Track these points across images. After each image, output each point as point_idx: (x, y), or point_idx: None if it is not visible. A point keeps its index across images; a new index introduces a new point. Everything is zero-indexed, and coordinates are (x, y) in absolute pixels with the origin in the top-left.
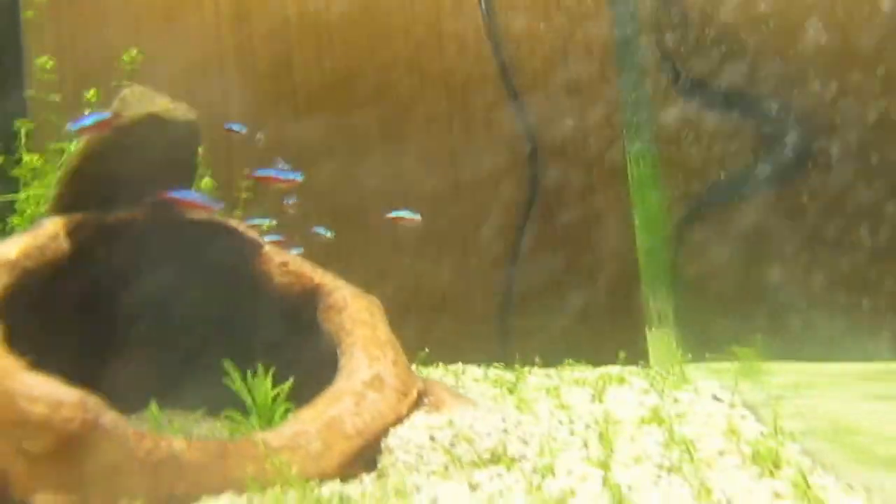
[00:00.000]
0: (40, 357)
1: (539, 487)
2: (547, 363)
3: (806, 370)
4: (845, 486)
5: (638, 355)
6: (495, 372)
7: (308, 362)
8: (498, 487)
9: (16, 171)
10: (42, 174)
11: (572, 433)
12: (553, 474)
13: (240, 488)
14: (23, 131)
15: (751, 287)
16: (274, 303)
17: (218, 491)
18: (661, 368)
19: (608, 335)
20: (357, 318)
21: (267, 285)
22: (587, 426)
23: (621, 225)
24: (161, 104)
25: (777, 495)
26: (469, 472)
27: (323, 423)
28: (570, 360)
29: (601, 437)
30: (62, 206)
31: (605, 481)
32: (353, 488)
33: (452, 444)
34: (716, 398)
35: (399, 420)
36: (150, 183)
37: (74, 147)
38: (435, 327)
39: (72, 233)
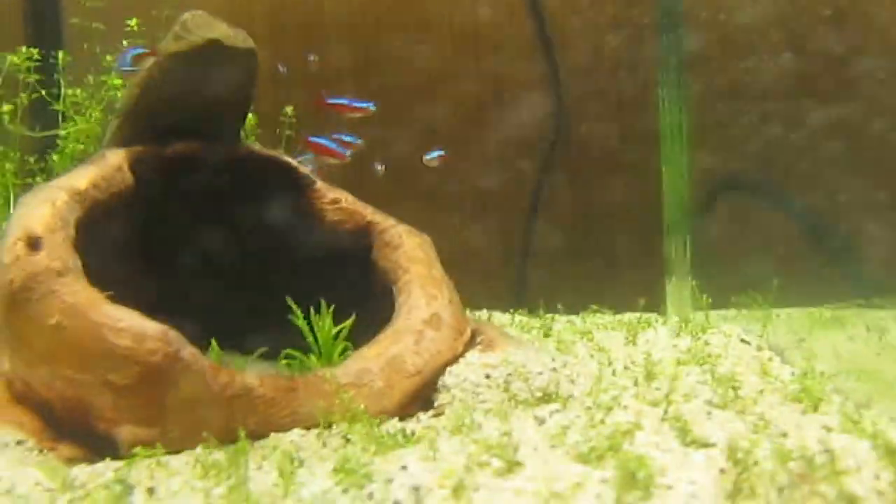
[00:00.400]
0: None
1: (602, 422)
2: (568, 311)
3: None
4: (888, 420)
5: (656, 303)
6: (520, 318)
7: (360, 300)
8: (561, 422)
9: (57, 106)
10: (83, 109)
11: (615, 373)
12: (610, 410)
13: (308, 423)
14: (62, 63)
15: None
16: (326, 240)
17: (287, 426)
18: (681, 315)
19: (628, 283)
20: (413, 256)
21: (319, 222)
22: (626, 367)
23: (646, 174)
24: (221, 30)
25: (827, 429)
26: (525, 410)
27: (385, 362)
28: (595, 306)
29: (648, 375)
30: (122, 137)
31: (664, 415)
32: (412, 426)
33: (507, 383)
34: (743, 340)
35: (455, 359)
36: (208, 112)
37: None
38: (454, 274)
39: (133, 165)
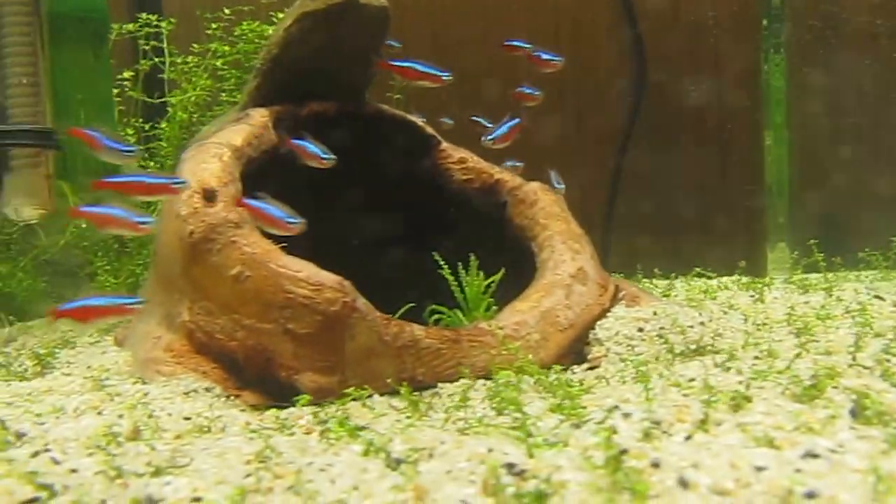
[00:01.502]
0: None
1: (789, 368)
2: (664, 276)
3: None
4: None
5: (754, 268)
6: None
7: (490, 256)
8: (740, 368)
9: (170, 74)
10: (190, 77)
11: (759, 328)
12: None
13: (472, 374)
14: (166, 32)
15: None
16: (453, 198)
17: (452, 376)
18: (783, 277)
19: (726, 247)
20: (550, 212)
21: (447, 181)
22: (763, 323)
23: (749, 138)
24: None
25: None
26: (686, 361)
27: (539, 315)
28: (698, 269)
29: (804, 328)
30: (260, 97)
31: (852, 361)
32: (577, 377)
33: (660, 336)
34: (877, 297)
35: (603, 313)
36: (339, 71)
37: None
38: None
39: (275, 125)
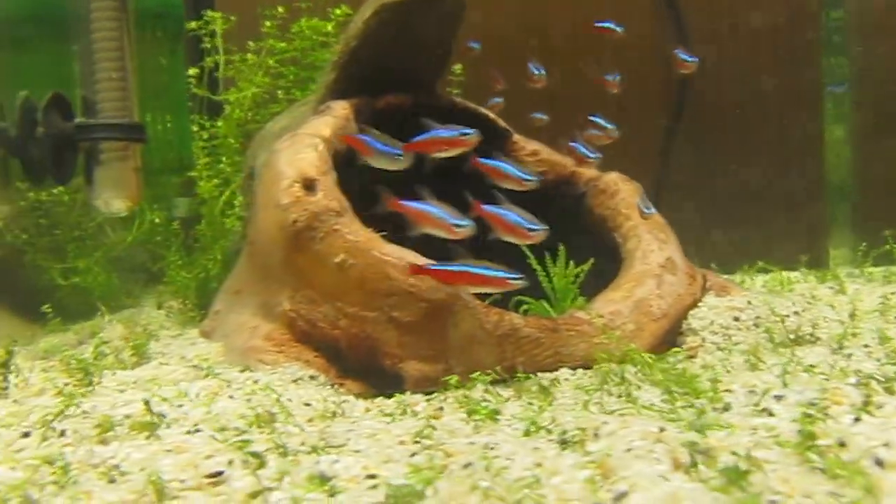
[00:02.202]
0: None
1: None
2: (723, 270)
3: None
4: None
5: (819, 261)
6: None
7: (567, 246)
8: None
9: (226, 72)
10: (246, 75)
11: (852, 317)
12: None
13: (570, 363)
14: (220, 30)
15: None
16: (529, 190)
17: (550, 365)
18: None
19: (787, 241)
20: (631, 202)
21: None
22: (853, 313)
23: (809, 132)
24: None
25: None
26: (788, 349)
27: (633, 304)
28: (761, 263)
29: None
30: (337, 89)
31: None
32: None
33: (756, 325)
34: None
35: (695, 303)
36: (414, 62)
37: (350, 28)
38: None
39: (355, 117)
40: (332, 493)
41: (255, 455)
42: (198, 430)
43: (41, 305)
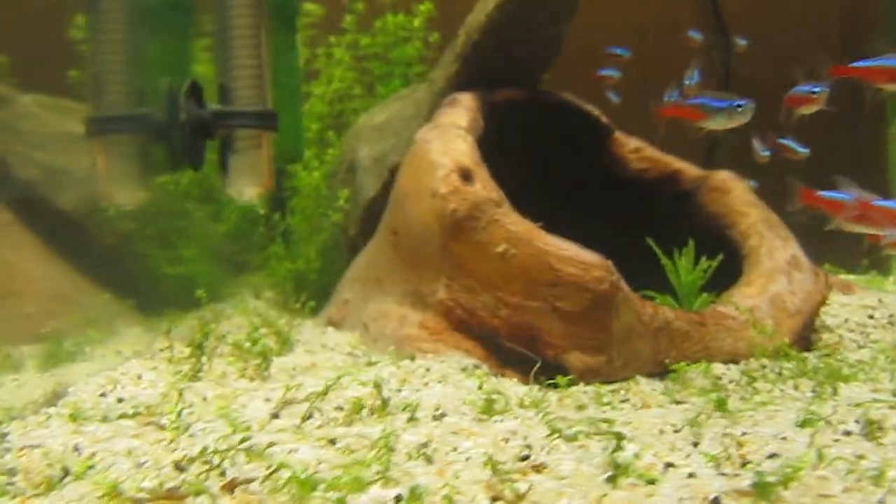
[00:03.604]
0: None
1: None
2: None
3: None
4: None
5: (881, 264)
6: None
7: (670, 243)
8: None
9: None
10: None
11: None
12: None
13: (717, 358)
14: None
15: None
16: (631, 187)
17: (699, 359)
18: None
19: (845, 245)
20: (746, 200)
21: (622, 170)
22: None
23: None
24: None
25: None
26: None
27: (768, 300)
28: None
29: None
30: (458, 82)
31: None
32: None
33: (891, 323)
34: None
35: (823, 300)
36: (528, 56)
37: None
38: None
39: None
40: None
41: (617, 436)
42: (443, 415)
43: (146, 293)
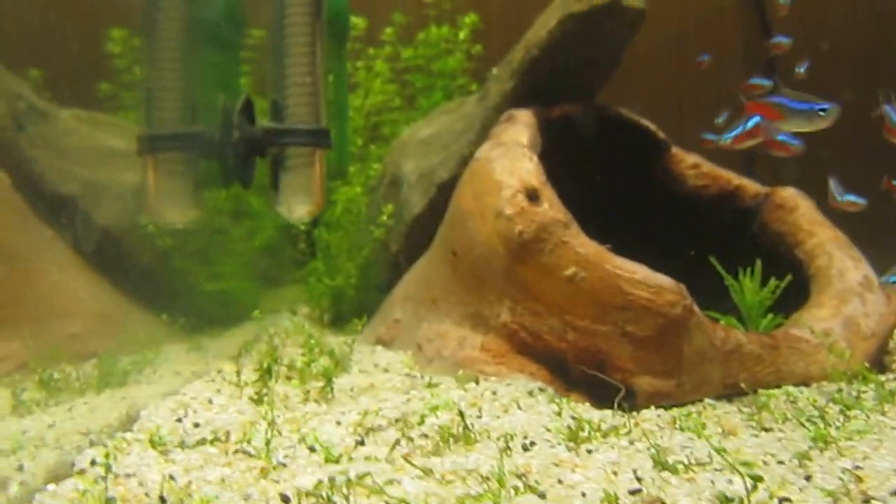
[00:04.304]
0: None
1: None
2: None
3: None
4: None
5: None
6: None
7: (732, 262)
8: None
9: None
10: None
11: None
12: None
13: (790, 381)
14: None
15: None
16: (687, 204)
17: (771, 383)
18: None
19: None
20: (813, 219)
21: (681, 185)
22: None
23: None
24: None
25: None
26: None
27: (842, 322)
28: None
29: None
30: (514, 98)
31: None
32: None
33: None
34: None
35: None
36: (585, 73)
37: (531, 37)
38: None
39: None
40: None
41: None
42: (533, 444)
43: (186, 310)
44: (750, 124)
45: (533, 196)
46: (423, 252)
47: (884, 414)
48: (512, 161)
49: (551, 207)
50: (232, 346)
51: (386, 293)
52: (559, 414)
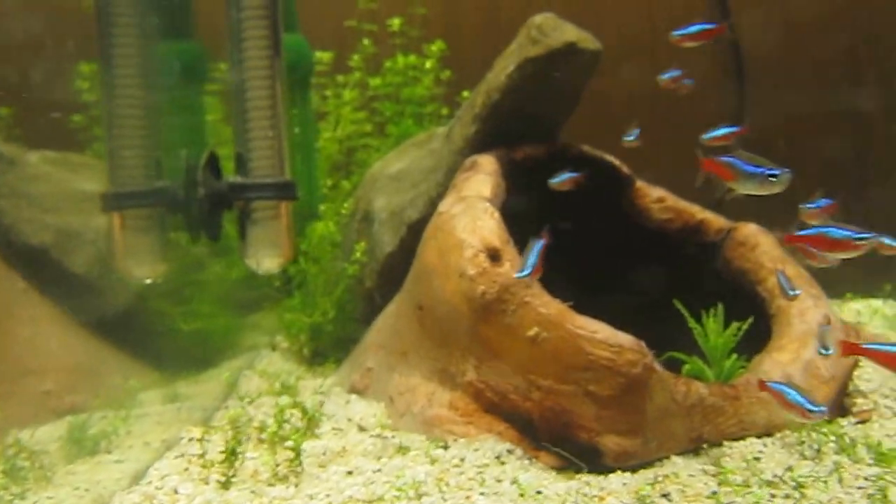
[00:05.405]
0: None
1: None
2: None
3: None
4: None
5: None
6: None
7: (696, 298)
8: None
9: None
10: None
11: None
12: None
13: (752, 432)
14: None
15: None
16: (652, 238)
17: (734, 434)
18: None
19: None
20: (774, 256)
21: (645, 220)
22: None
23: None
24: (573, 33)
25: None
26: None
27: (802, 367)
28: (850, 294)
29: None
30: (477, 142)
31: None
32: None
33: None
34: None
35: (857, 363)
36: (547, 111)
37: (491, 81)
38: None
39: (502, 171)
40: None
41: None
42: None
43: (162, 352)
44: None
45: (494, 256)
46: (398, 288)
47: (840, 482)
48: (473, 219)
49: (513, 267)
50: (208, 395)
51: (364, 325)
52: (522, 496)
